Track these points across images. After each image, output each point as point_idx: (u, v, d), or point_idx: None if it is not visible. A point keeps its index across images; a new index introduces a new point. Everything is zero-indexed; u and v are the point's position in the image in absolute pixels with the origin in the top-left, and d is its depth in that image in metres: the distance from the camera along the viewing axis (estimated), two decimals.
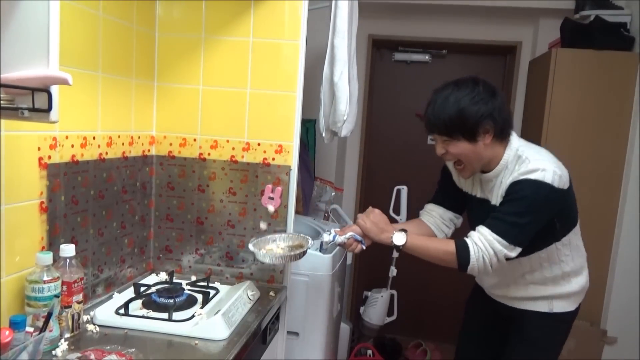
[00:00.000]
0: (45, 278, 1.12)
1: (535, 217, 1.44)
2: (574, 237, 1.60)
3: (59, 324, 1.19)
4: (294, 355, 2.00)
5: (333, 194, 3.01)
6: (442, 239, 1.67)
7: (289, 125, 1.69)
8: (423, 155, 3.55)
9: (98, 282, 1.48)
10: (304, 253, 1.53)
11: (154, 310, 1.39)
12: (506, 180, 1.49)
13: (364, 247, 1.58)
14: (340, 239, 1.56)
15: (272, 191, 1.71)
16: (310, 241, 1.57)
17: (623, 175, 2.55)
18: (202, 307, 1.42)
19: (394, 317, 3.03)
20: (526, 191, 1.42)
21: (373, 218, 1.57)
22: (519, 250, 1.45)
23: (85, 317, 1.32)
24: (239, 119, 1.71)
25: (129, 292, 1.51)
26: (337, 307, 2.28)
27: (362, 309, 3.04)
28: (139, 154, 1.67)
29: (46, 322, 1.08)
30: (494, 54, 3.39)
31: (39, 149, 1.20)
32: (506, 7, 2.91)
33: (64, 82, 0.90)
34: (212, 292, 1.53)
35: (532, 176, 1.41)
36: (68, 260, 1.21)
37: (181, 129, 1.75)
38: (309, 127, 2.82)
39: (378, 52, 3.52)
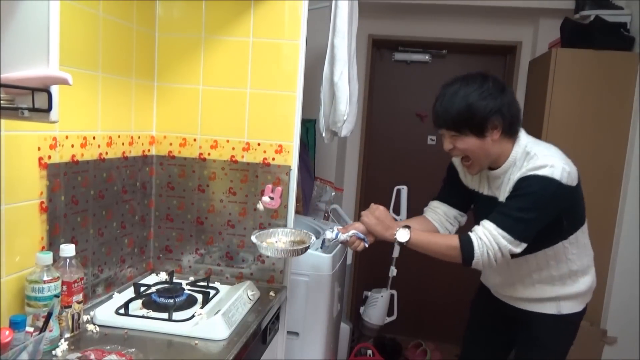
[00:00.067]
0: (45, 278, 1.12)
1: (541, 213, 1.43)
2: (582, 236, 1.59)
3: (59, 324, 1.19)
4: (294, 355, 2.00)
5: (333, 194, 3.02)
6: (446, 234, 1.65)
7: (289, 125, 1.69)
8: (423, 155, 3.56)
9: (98, 282, 1.48)
10: (306, 249, 1.53)
11: (154, 310, 1.39)
12: (514, 176, 1.48)
13: (367, 245, 1.58)
14: (342, 236, 1.55)
15: (272, 191, 1.71)
16: (313, 237, 1.57)
17: (623, 175, 2.55)
18: (202, 307, 1.42)
19: (394, 317, 3.03)
20: (534, 187, 1.41)
21: (378, 215, 1.56)
22: (523, 246, 1.44)
23: (85, 317, 1.32)
24: (239, 119, 1.71)
25: (129, 292, 1.51)
26: (337, 307, 2.28)
27: (362, 309, 3.04)
28: (139, 154, 1.67)
29: (46, 322, 1.08)
30: (494, 54, 3.39)
31: (39, 149, 1.20)
32: (506, 7, 2.91)
33: (64, 82, 0.90)
34: (212, 292, 1.53)
35: (540, 172, 1.40)
36: (68, 260, 1.21)
37: (181, 129, 1.75)
38: (309, 127, 2.82)
39: (378, 52, 3.52)
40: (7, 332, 0.96)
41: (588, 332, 2.55)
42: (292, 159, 1.71)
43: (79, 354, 1.11)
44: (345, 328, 2.69)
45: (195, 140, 1.74)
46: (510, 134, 1.49)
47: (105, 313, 1.34)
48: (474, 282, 3.30)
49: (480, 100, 1.43)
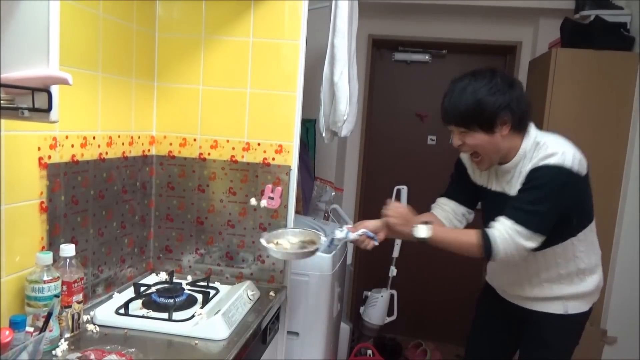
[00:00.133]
0: (45, 278, 1.12)
1: (555, 203, 1.43)
2: (590, 234, 1.58)
3: (59, 323, 1.19)
4: (294, 355, 2.00)
5: (333, 194, 3.02)
6: (465, 230, 1.59)
7: (289, 125, 1.70)
8: (423, 155, 3.56)
9: (98, 282, 1.48)
10: (316, 250, 1.51)
11: (154, 310, 1.39)
12: (525, 168, 1.48)
13: (377, 243, 1.57)
14: (352, 235, 1.54)
15: (272, 191, 1.71)
16: (322, 237, 1.55)
17: (623, 175, 2.55)
18: (202, 307, 1.42)
19: (394, 317, 3.03)
20: (546, 178, 1.41)
21: (401, 212, 1.54)
22: (541, 238, 1.44)
23: (85, 317, 1.32)
24: (239, 119, 1.71)
25: (129, 292, 1.51)
26: (337, 307, 2.28)
27: (362, 309, 3.04)
28: (139, 154, 1.67)
29: (46, 322, 1.08)
30: (494, 54, 3.39)
31: (39, 148, 1.20)
32: (506, 7, 2.91)
33: (64, 82, 0.90)
34: (212, 292, 1.53)
35: (552, 161, 1.41)
36: (68, 260, 1.21)
37: (181, 129, 1.75)
38: (309, 127, 2.82)
39: (378, 52, 3.52)
40: (7, 332, 0.96)
41: (588, 332, 2.53)
42: (292, 159, 1.71)
43: (79, 354, 1.11)
44: (345, 328, 2.69)
45: (195, 140, 1.74)
46: (520, 129, 1.49)
47: (105, 313, 1.34)
48: (474, 282, 3.29)
49: (489, 95, 1.43)
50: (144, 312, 1.38)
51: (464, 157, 1.71)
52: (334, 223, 2.68)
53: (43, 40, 0.89)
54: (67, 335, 1.21)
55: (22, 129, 1.14)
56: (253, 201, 1.71)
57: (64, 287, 1.19)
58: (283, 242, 1.56)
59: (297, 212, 1.94)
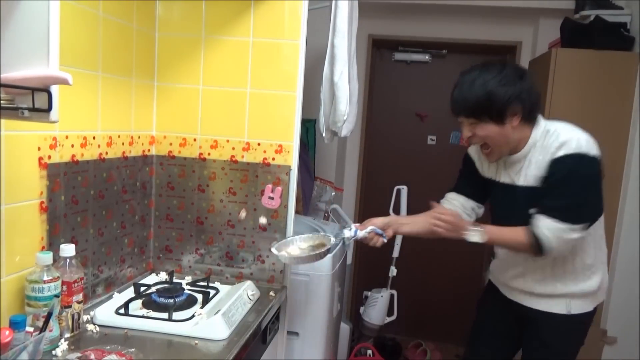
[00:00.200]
0: (45, 278, 1.12)
1: (586, 191, 1.44)
2: (599, 228, 1.59)
3: (59, 323, 1.19)
4: (294, 355, 1.99)
5: (333, 193, 3.02)
6: (514, 230, 1.52)
7: (289, 125, 1.69)
8: (423, 155, 3.56)
9: (98, 282, 1.48)
10: (327, 252, 1.51)
11: (154, 310, 1.39)
12: (537, 156, 1.48)
13: (385, 240, 1.57)
14: (361, 233, 1.54)
15: (272, 191, 1.71)
16: (332, 239, 1.54)
17: (623, 175, 2.55)
18: (202, 307, 1.42)
19: (393, 317, 3.03)
20: (569, 168, 1.42)
21: (450, 219, 1.51)
22: (587, 224, 1.45)
23: (85, 317, 1.32)
24: (239, 119, 1.71)
25: (129, 292, 1.51)
26: (337, 307, 2.28)
27: (362, 309, 3.04)
28: (139, 154, 1.67)
29: (46, 322, 1.08)
30: (494, 54, 3.39)
31: (39, 148, 1.20)
32: (506, 7, 2.91)
33: (64, 82, 0.90)
34: (212, 292, 1.53)
35: (569, 149, 1.42)
36: (68, 260, 1.21)
37: (181, 129, 1.75)
38: (309, 127, 2.82)
39: (378, 52, 3.52)
40: (7, 332, 0.96)
41: (588, 332, 2.55)
42: (292, 159, 1.71)
43: (79, 354, 1.11)
44: (345, 328, 2.69)
45: (195, 140, 1.74)
46: (530, 120, 1.50)
47: (105, 313, 1.34)
48: (474, 282, 3.29)
49: (500, 87, 1.43)
50: (144, 312, 1.38)
51: (472, 151, 1.71)
52: (334, 223, 2.68)
53: (43, 40, 0.89)
54: (67, 335, 1.21)
55: (22, 129, 1.14)
56: (263, 220, 1.73)
57: (64, 287, 1.19)
58: (293, 249, 1.57)
59: (297, 212, 1.94)
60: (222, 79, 1.71)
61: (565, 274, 1.57)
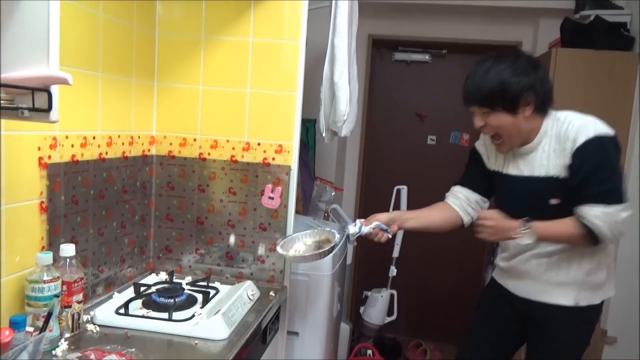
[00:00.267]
0: (45, 278, 1.12)
1: (618, 168, 1.45)
2: None
3: (59, 323, 1.19)
4: (294, 355, 2.00)
5: (333, 193, 3.02)
6: (563, 222, 1.48)
7: (289, 125, 1.70)
8: (423, 155, 3.56)
9: (98, 281, 1.48)
10: (332, 248, 1.51)
11: (154, 310, 1.39)
12: (554, 145, 1.49)
13: (390, 236, 1.57)
14: (366, 229, 1.54)
15: (272, 191, 1.71)
16: (337, 235, 1.54)
17: (623, 175, 2.55)
18: (202, 307, 1.42)
19: (393, 317, 3.03)
20: (597, 152, 1.42)
21: (493, 225, 1.49)
22: (630, 202, 1.45)
23: (85, 317, 1.32)
24: (239, 119, 1.71)
25: (129, 292, 1.51)
26: (337, 307, 2.28)
27: (362, 309, 3.04)
28: (139, 154, 1.67)
29: (46, 322, 1.08)
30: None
31: (39, 148, 1.20)
32: (506, 7, 2.91)
33: (64, 81, 0.90)
34: (212, 292, 1.53)
35: (590, 134, 1.42)
36: (68, 260, 1.21)
37: (181, 129, 1.75)
38: (309, 127, 2.82)
39: (378, 52, 3.52)
40: (7, 332, 0.96)
41: None
42: (292, 159, 1.71)
43: (79, 354, 1.11)
44: (345, 328, 2.69)
45: (195, 140, 1.74)
46: (542, 111, 1.50)
47: (105, 313, 1.34)
48: (474, 282, 3.28)
49: (514, 76, 1.44)
50: (144, 312, 1.38)
51: (479, 144, 1.72)
52: (334, 223, 2.68)
53: (43, 40, 0.89)
54: (67, 335, 1.21)
55: (22, 129, 1.14)
56: (231, 240, 1.74)
57: (64, 287, 1.19)
58: (298, 246, 1.56)
59: (297, 212, 1.94)
60: (222, 79, 1.71)
61: (575, 257, 1.55)
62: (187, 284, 1.59)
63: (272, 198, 1.71)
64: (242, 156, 1.73)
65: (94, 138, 1.42)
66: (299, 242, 1.58)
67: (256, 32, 1.68)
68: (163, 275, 1.73)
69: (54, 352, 1.14)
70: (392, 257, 3.00)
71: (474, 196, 1.72)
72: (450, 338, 3.39)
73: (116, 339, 1.25)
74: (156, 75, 1.73)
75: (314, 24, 1.79)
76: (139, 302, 1.42)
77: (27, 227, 1.19)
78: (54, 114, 0.92)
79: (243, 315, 1.43)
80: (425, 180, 3.28)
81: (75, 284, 1.21)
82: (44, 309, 1.12)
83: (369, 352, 2.92)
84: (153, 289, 1.50)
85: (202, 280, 1.64)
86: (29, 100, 0.89)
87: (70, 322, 1.22)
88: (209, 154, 1.74)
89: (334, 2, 1.86)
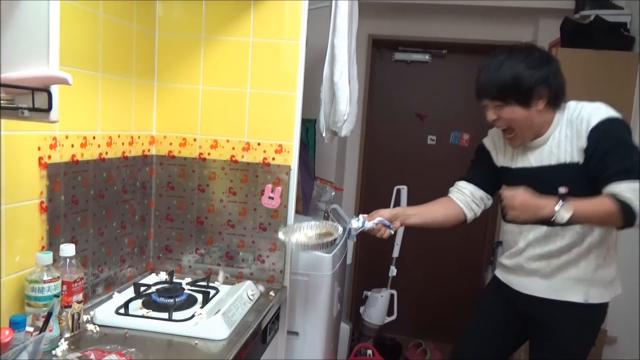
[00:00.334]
0: (45, 278, 1.12)
1: (634, 145, 1.44)
2: None
3: (59, 323, 1.19)
4: (294, 355, 2.00)
5: (333, 193, 3.02)
6: (600, 200, 1.40)
7: (289, 125, 1.70)
8: (423, 155, 3.56)
9: (98, 281, 1.48)
10: (335, 241, 1.51)
11: (154, 310, 1.39)
12: (565, 131, 1.49)
13: (392, 232, 1.57)
14: (369, 224, 1.54)
15: (272, 191, 1.71)
16: (340, 228, 1.54)
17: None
18: (202, 307, 1.42)
19: (393, 317, 3.03)
20: (613, 131, 1.42)
21: (521, 202, 1.39)
22: None
23: (85, 317, 1.32)
24: (239, 119, 1.71)
25: (129, 292, 1.51)
26: (337, 307, 2.28)
27: (362, 308, 3.04)
28: (139, 154, 1.67)
29: (46, 322, 1.08)
30: None
31: (39, 148, 1.20)
32: (506, 7, 2.91)
33: (64, 81, 0.90)
34: (212, 292, 1.53)
35: (602, 115, 1.43)
36: (68, 260, 1.21)
37: (181, 129, 1.75)
38: (309, 127, 2.82)
39: (378, 52, 3.52)
40: (7, 332, 0.96)
41: None
42: (292, 159, 1.71)
43: (79, 354, 1.11)
44: (345, 328, 2.69)
45: (195, 140, 1.74)
46: (555, 105, 1.50)
47: (105, 313, 1.34)
48: (474, 282, 3.28)
49: (527, 69, 1.44)
50: (144, 312, 1.38)
51: (487, 141, 1.72)
52: (334, 223, 2.68)
53: (43, 40, 0.89)
54: (67, 335, 1.21)
55: (22, 129, 1.14)
56: (220, 277, 1.74)
57: (64, 287, 1.19)
58: (300, 236, 1.56)
59: (297, 212, 1.94)
60: (222, 79, 1.71)
61: (587, 253, 1.54)
62: (187, 283, 1.59)
63: (272, 198, 1.71)
64: (242, 156, 1.73)
65: (94, 138, 1.42)
66: (300, 232, 1.58)
67: (256, 32, 1.68)
68: (163, 275, 1.73)
69: (54, 352, 1.14)
70: (392, 257, 3.00)
71: (479, 192, 1.72)
72: (451, 338, 3.37)
73: (116, 339, 1.24)
74: (156, 75, 1.73)
75: (314, 24, 1.79)
76: (139, 302, 1.42)
77: (27, 227, 1.19)
78: (54, 114, 0.92)
79: (243, 315, 1.43)
80: (425, 180, 3.28)
81: (75, 284, 1.21)
82: (44, 309, 1.12)
83: (369, 352, 2.92)
84: (153, 289, 1.50)
85: (202, 280, 1.64)
86: (29, 100, 0.89)
87: (70, 322, 1.22)
88: (209, 154, 1.74)
89: (334, 2, 1.86)
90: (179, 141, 1.75)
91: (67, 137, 1.30)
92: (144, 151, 1.70)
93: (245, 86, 1.70)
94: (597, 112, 1.45)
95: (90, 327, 1.29)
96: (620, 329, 2.57)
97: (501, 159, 1.67)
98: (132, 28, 1.57)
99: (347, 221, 1.60)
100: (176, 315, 1.35)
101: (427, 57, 3.46)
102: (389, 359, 3.10)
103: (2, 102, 0.88)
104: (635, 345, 2.54)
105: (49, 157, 1.24)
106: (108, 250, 1.51)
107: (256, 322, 1.41)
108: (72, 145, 1.32)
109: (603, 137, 1.43)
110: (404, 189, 2.92)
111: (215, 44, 1.70)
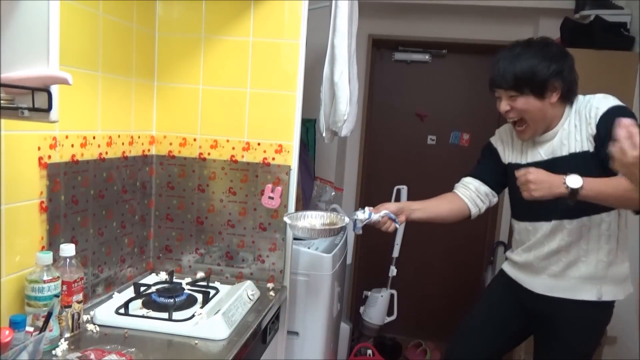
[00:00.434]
0: (45, 278, 1.12)
1: None
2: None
3: (59, 323, 1.19)
4: (294, 355, 2.00)
5: (333, 193, 3.02)
6: (616, 178, 1.34)
7: (289, 125, 1.70)
8: (423, 155, 3.56)
9: (98, 281, 1.48)
10: (340, 229, 1.51)
11: (154, 310, 1.39)
12: (574, 122, 1.51)
13: (398, 226, 1.58)
14: (375, 217, 1.54)
15: (272, 191, 1.71)
16: (346, 219, 1.55)
17: None
18: (202, 307, 1.42)
19: (393, 317, 3.03)
20: (625, 116, 1.40)
21: (534, 178, 1.39)
22: None
23: (85, 317, 1.32)
24: (239, 118, 1.71)
25: (129, 292, 1.51)
26: (337, 307, 2.28)
27: (362, 308, 3.04)
28: (139, 154, 1.67)
29: (46, 322, 1.08)
30: (494, 53, 3.38)
31: (39, 148, 1.20)
32: (506, 7, 2.91)
33: (64, 81, 0.90)
34: (212, 292, 1.53)
35: (610, 103, 1.45)
36: (68, 259, 1.21)
37: (181, 129, 1.75)
38: (309, 127, 2.82)
39: (378, 52, 3.52)
40: (7, 332, 0.96)
41: None
42: (292, 159, 1.71)
43: (79, 354, 1.11)
44: (345, 328, 2.70)
45: (195, 140, 1.74)
46: (567, 99, 1.52)
47: (105, 313, 1.34)
48: (475, 282, 3.28)
49: (544, 61, 1.46)
50: (144, 312, 1.38)
51: (495, 139, 1.73)
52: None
53: (43, 40, 0.89)
54: (67, 335, 1.21)
55: (22, 128, 1.14)
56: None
57: (64, 287, 1.19)
58: (304, 223, 1.57)
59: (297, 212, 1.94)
60: (222, 79, 1.71)
61: (594, 252, 1.53)
62: (187, 283, 1.59)
63: (272, 198, 1.71)
64: (242, 156, 1.73)
65: (94, 138, 1.42)
66: (305, 220, 1.58)
67: (256, 32, 1.68)
68: (163, 275, 1.73)
69: (53, 352, 1.14)
70: (392, 257, 3.00)
71: (484, 188, 1.72)
72: (450, 338, 3.39)
73: (116, 338, 1.24)
74: (156, 75, 1.73)
75: (314, 24, 1.79)
76: (139, 302, 1.42)
77: (27, 227, 1.19)
78: (54, 114, 0.92)
79: (243, 315, 1.43)
80: (425, 180, 3.28)
81: (75, 284, 1.21)
82: (44, 308, 1.12)
83: (369, 352, 2.92)
84: (153, 289, 1.50)
85: (202, 280, 1.64)
86: (29, 100, 0.89)
87: (70, 322, 1.22)
88: (209, 153, 1.74)
89: (334, 2, 1.86)
90: (179, 141, 1.75)
91: (67, 137, 1.30)
92: (144, 151, 1.70)
93: (245, 86, 1.70)
94: (606, 100, 1.47)
95: (90, 327, 1.29)
96: (620, 329, 2.57)
97: (509, 156, 1.68)
98: (132, 28, 1.57)
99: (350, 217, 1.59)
100: (176, 315, 1.35)
101: (427, 57, 3.46)
102: (389, 359, 3.10)
103: (2, 102, 0.88)
104: (635, 345, 2.54)
105: (49, 157, 1.24)
106: (108, 250, 1.51)
107: (256, 322, 1.41)
108: (72, 145, 1.32)
109: (612, 122, 1.41)
110: (403, 189, 2.93)
111: (215, 43, 1.70)
